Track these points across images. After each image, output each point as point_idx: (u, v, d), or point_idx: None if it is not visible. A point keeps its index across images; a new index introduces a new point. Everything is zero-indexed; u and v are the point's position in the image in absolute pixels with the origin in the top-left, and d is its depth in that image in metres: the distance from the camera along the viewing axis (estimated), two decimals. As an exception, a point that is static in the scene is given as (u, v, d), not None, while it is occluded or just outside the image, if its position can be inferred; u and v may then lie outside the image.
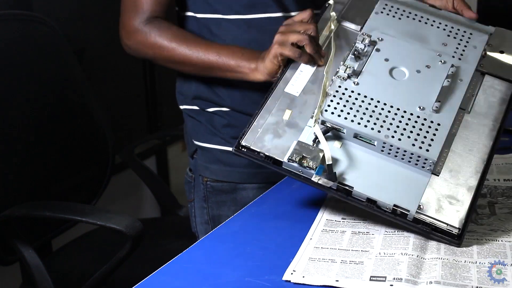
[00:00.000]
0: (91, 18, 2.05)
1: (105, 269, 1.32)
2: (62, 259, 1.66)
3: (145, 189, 1.92)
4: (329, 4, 1.12)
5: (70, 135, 1.60)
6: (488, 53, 1.08)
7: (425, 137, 0.96)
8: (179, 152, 2.60)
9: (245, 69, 1.14)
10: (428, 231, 0.91)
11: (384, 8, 1.13)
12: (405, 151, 0.95)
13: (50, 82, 1.56)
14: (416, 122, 0.97)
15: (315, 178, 0.93)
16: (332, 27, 1.10)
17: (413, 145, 0.95)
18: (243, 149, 0.99)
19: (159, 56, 1.22)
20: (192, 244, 1.02)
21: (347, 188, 0.94)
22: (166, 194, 1.94)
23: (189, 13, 1.25)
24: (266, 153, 0.97)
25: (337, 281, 0.84)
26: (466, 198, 0.93)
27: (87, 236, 1.77)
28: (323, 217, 1.02)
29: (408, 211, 0.91)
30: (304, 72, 1.07)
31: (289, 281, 0.85)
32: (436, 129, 0.97)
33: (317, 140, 0.96)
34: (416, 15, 1.12)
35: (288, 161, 0.95)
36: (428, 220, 0.91)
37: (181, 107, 1.36)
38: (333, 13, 1.11)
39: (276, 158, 0.97)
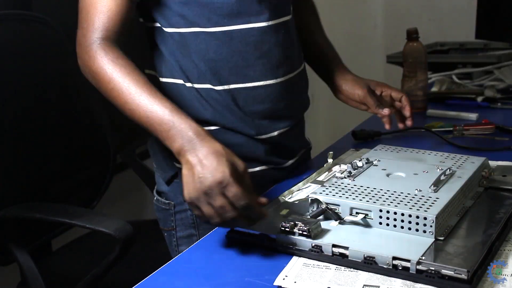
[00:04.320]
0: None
1: (95, 273, 1.31)
2: (59, 260, 1.66)
3: (145, 189, 1.92)
4: (329, 153, 1.21)
5: (71, 135, 1.60)
6: (490, 177, 1.11)
7: (423, 204, 0.94)
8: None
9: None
10: (434, 279, 0.83)
11: (382, 148, 1.23)
12: (402, 214, 0.92)
13: (51, 82, 1.55)
14: (413, 197, 0.96)
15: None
16: (330, 161, 1.20)
17: (411, 208, 0.92)
18: (235, 234, 0.99)
19: (97, 85, 1.09)
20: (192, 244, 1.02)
21: (342, 249, 0.89)
22: (167, 194, 1.94)
23: (168, 29, 1.15)
24: (258, 232, 0.96)
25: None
26: (477, 248, 0.88)
27: (87, 237, 1.77)
28: None
29: (409, 261, 0.85)
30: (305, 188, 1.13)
31: (280, 286, 0.85)
32: (436, 199, 0.95)
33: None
34: (412, 151, 1.21)
35: (281, 229, 0.94)
36: (433, 267, 0.84)
37: None
38: (330, 160, 1.21)
39: (268, 234, 0.95)
